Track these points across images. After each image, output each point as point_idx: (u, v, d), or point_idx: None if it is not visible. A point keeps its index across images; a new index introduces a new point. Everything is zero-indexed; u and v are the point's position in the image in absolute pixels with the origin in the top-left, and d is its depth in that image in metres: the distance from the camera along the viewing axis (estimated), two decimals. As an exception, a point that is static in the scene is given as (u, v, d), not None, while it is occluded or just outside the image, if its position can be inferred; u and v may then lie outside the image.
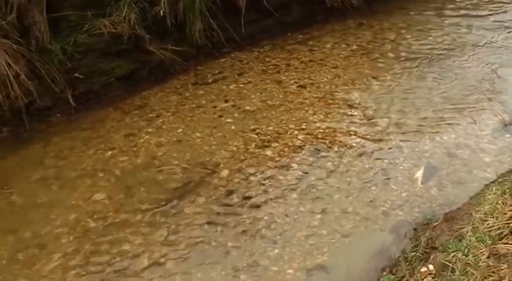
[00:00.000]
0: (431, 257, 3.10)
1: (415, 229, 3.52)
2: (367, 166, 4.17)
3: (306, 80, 5.48)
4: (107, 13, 5.20)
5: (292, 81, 5.49)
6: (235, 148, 4.48)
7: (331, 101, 5.06)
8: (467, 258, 2.79)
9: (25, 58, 4.69)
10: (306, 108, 4.97)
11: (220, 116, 4.95)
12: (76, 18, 5.09)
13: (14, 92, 4.59)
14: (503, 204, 3.04)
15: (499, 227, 2.88)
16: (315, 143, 4.46)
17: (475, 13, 6.79)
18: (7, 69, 4.48)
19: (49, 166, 4.41)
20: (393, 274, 3.16)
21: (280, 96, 5.22)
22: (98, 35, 5.16)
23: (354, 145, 4.42)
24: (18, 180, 4.25)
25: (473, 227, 3.03)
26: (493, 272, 2.64)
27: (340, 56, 5.95)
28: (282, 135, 4.59)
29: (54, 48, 4.87)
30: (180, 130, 4.78)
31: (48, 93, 4.89)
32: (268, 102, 5.12)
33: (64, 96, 5.00)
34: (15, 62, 4.54)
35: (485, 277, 2.63)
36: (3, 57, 4.48)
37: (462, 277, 2.71)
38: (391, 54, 5.89)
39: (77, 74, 5.11)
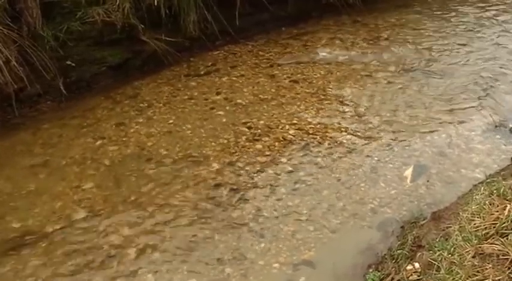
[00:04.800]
0: (418, 255, 3.11)
1: (402, 227, 3.53)
2: (356, 163, 4.17)
3: (299, 75, 5.48)
4: (100, 1, 5.16)
5: (285, 75, 5.49)
6: (225, 141, 4.47)
7: (323, 97, 5.06)
8: (453, 257, 2.80)
9: (16, 44, 4.64)
10: (298, 103, 4.97)
11: (212, 109, 4.94)
12: (69, 5, 5.07)
13: (4, 78, 4.55)
14: (490, 205, 3.05)
15: (486, 227, 2.88)
16: (305, 139, 4.46)
17: (470, 13, 6.81)
18: (-3, 55, 4.44)
19: (38, 153, 4.39)
20: (379, 271, 3.16)
21: (273, 90, 5.21)
22: (91, 23, 5.13)
23: (345, 141, 4.42)
24: (6, 166, 4.22)
25: (460, 227, 3.04)
26: (477, 271, 2.65)
27: (334, 52, 5.94)
28: (273, 130, 4.59)
29: (46, 34, 4.84)
30: (171, 121, 4.76)
31: (39, 80, 4.85)
32: (260, 96, 5.11)
33: (55, 83, 4.98)
34: (5, 48, 4.49)
35: (469, 276, 2.64)
36: (-7, 42, 4.44)
37: (447, 276, 2.72)
38: (384, 52, 5.89)
39: (68, 62, 5.08)
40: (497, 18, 6.60)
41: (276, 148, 4.36)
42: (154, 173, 4.12)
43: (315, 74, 5.47)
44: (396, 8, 6.98)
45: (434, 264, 2.87)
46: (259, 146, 4.40)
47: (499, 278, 2.58)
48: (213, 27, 5.81)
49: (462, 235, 2.93)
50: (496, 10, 6.80)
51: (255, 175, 4.07)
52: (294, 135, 4.50)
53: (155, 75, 5.53)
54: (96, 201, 3.85)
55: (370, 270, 3.21)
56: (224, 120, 4.76)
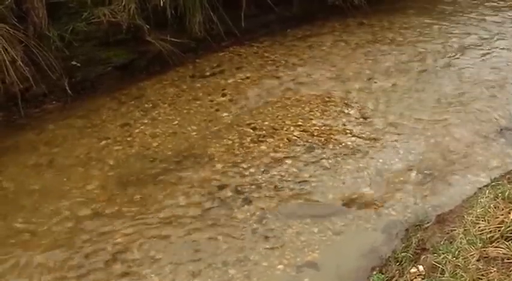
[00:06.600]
0: (422, 258, 3.11)
1: (406, 230, 3.52)
2: (361, 165, 4.16)
3: (304, 77, 5.47)
4: (106, 2, 5.18)
5: (290, 77, 5.48)
6: (230, 142, 4.47)
7: (328, 99, 5.05)
8: (457, 260, 2.79)
9: (22, 44, 4.66)
10: (303, 105, 4.96)
11: (217, 110, 4.94)
12: (75, 6, 5.08)
13: (9, 78, 4.57)
14: (495, 208, 3.04)
15: (490, 231, 2.88)
16: (310, 140, 4.45)
17: (475, 15, 6.79)
18: (3, 54, 4.46)
19: (43, 152, 4.39)
20: (383, 274, 3.15)
21: (278, 92, 5.20)
22: (97, 24, 5.14)
23: (349, 143, 4.41)
24: (11, 166, 4.24)
25: (465, 230, 3.03)
26: (482, 275, 2.64)
27: (339, 54, 5.94)
28: (277, 131, 4.58)
29: (52, 34, 4.86)
30: (176, 122, 4.77)
31: (44, 80, 4.87)
32: (265, 97, 5.10)
33: (60, 83, 4.99)
34: (12, 48, 4.51)
35: (474, 280, 2.63)
36: None
37: (451, 279, 2.71)
38: (390, 54, 5.88)
39: (74, 62, 5.09)
40: (507, 21, 6.58)
41: (280, 150, 4.36)
42: (159, 173, 4.12)
43: (320, 76, 5.46)
44: (401, 10, 6.97)
45: (439, 267, 2.86)
46: (263, 147, 4.39)
47: (503, 281, 2.58)
48: (219, 29, 5.81)
49: (467, 238, 2.92)
50: (506, 14, 6.78)
51: (259, 176, 4.07)
52: (298, 137, 4.50)
53: (160, 76, 5.53)
54: (101, 201, 3.85)
55: (374, 273, 3.20)
56: (229, 121, 4.76)
